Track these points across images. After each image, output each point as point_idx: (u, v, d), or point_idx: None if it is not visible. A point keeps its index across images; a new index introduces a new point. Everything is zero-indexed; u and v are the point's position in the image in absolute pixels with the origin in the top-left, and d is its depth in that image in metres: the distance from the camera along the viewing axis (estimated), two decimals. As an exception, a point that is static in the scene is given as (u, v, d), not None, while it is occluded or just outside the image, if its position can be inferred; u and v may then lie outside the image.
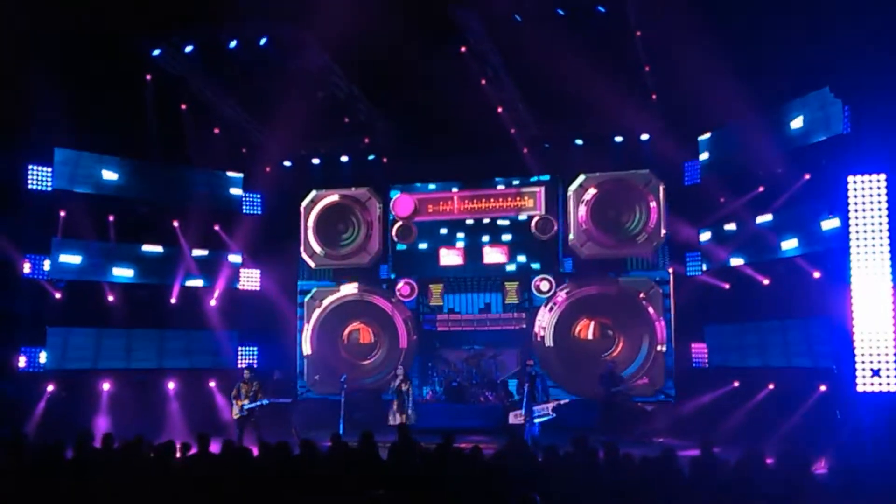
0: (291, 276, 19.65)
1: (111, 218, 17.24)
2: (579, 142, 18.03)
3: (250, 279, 19.08)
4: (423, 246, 19.29)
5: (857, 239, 12.17)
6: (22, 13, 13.89)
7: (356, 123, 18.26)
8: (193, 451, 8.94)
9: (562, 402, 13.61)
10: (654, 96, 16.15)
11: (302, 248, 19.71)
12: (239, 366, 17.91)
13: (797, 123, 14.31)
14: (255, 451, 8.95)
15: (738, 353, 15.93)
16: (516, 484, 7.19)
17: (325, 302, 19.44)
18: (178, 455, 8.80)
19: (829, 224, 13.36)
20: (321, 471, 8.01)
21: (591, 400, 16.18)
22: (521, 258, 18.78)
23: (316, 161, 19.58)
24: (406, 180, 19.39)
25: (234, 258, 18.71)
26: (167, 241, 17.89)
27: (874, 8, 11.60)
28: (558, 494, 7.20)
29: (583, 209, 18.16)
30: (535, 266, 18.66)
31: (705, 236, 16.52)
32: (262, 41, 15.92)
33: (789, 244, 14.55)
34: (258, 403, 14.18)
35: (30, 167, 16.36)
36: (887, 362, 11.90)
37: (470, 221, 19.03)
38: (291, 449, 8.48)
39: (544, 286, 18.37)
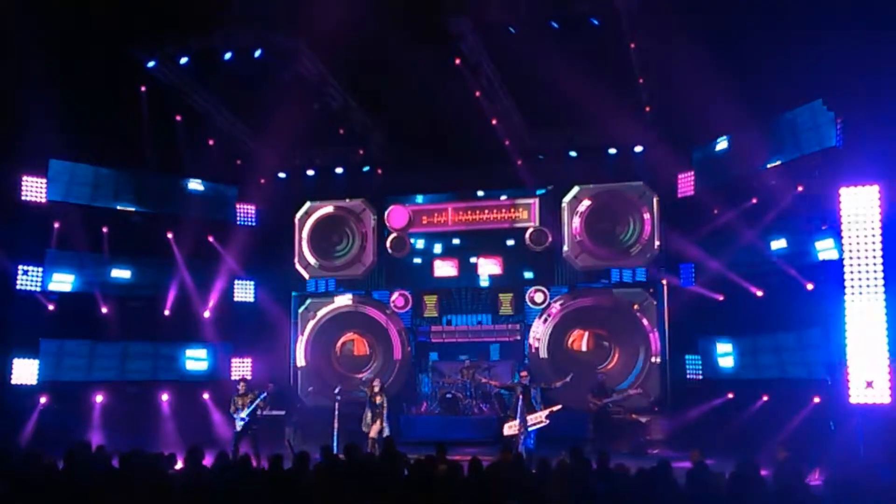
0: (286, 287, 19.63)
1: (105, 229, 17.20)
2: (573, 153, 18.08)
3: (244, 291, 19.05)
4: (417, 258, 19.32)
5: (850, 250, 12.22)
6: (16, 24, 13.91)
7: (351, 135, 18.30)
8: (184, 463, 8.90)
9: (554, 408, 13.58)
10: (647, 108, 16.22)
11: (296, 260, 19.69)
12: (233, 377, 17.86)
13: (790, 135, 14.38)
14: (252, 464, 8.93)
15: (732, 365, 15.96)
16: (509, 495, 7.19)
17: (320, 313, 19.41)
18: (172, 467, 8.77)
19: (822, 235, 13.41)
20: (313, 483, 7.99)
21: (586, 412, 16.14)
22: (516, 270, 18.79)
23: (310, 172, 19.59)
24: (400, 192, 19.41)
25: (229, 270, 18.67)
26: (161, 252, 17.85)
27: (866, 21, 11.67)
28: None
29: (577, 221, 18.20)
30: (530, 277, 18.69)
31: (699, 248, 16.54)
32: (257, 53, 15.93)
33: (782, 256, 14.59)
34: (253, 406, 14.12)
35: (24, 178, 16.34)
36: (880, 374, 11.92)
37: (464, 233, 19.06)
38: (283, 462, 8.47)
39: (539, 297, 18.39)
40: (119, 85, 16.10)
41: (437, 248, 19.30)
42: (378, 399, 14.27)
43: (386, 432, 13.88)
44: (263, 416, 14.38)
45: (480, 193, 19.11)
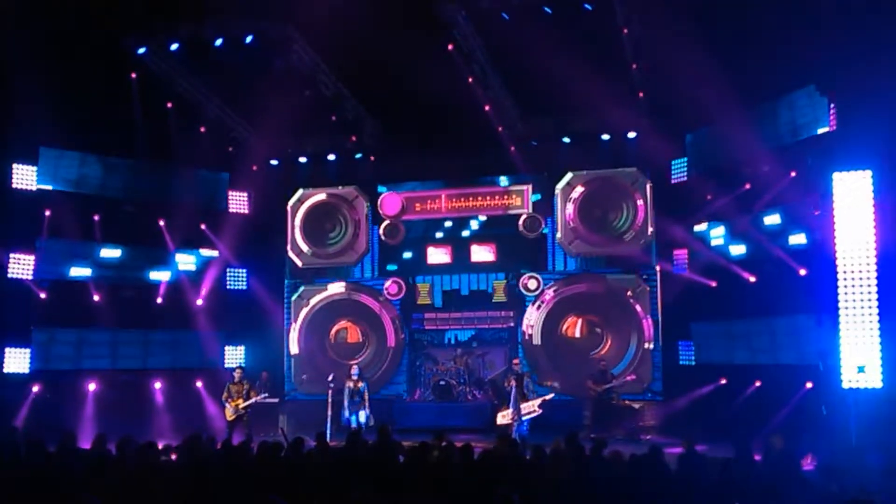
0: (278, 275, 19.59)
1: (96, 217, 17.16)
2: (567, 140, 18.05)
3: (237, 278, 19.01)
4: (410, 244, 19.29)
5: (843, 236, 12.23)
6: (5, 11, 13.80)
7: (343, 122, 18.20)
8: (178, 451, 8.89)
9: (547, 397, 13.62)
10: (640, 94, 16.19)
11: (289, 247, 19.62)
12: (226, 366, 17.85)
13: (783, 121, 14.37)
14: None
15: (724, 351, 16.00)
16: (504, 482, 7.19)
17: (313, 301, 19.37)
18: (165, 455, 8.76)
19: (815, 221, 13.42)
20: (307, 471, 7.98)
21: (580, 398, 16.18)
22: (509, 256, 18.79)
23: (303, 159, 19.51)
24: (393, 179, 19.34)
25: (221, 257, 18.61)
26: (153, 240, 17.79)
27: (860, 6, 11.65)
28: (547, 492, 7.20)
29: (570, 207, 18.18)
30: (523, 264, 18.69)
31: (692, 234, 16.56)
32: (248, 39, 15.82)
33: (775, 241, 14.60)
34: (252, 401, 14.17)
35: (14, 166, 16.28)
36: (872, 359, 11.96)
37: (457, 220, 19.03)
38: (278, 449, 8.46)
39: (532, 284, 18.36)
40: (109, 72, 15.99)
41: (431, 235, 19.26)
42: (360, 385, 14.26)
43: (371, 421, 13.91)
44: (255, 403, 14.42)
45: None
